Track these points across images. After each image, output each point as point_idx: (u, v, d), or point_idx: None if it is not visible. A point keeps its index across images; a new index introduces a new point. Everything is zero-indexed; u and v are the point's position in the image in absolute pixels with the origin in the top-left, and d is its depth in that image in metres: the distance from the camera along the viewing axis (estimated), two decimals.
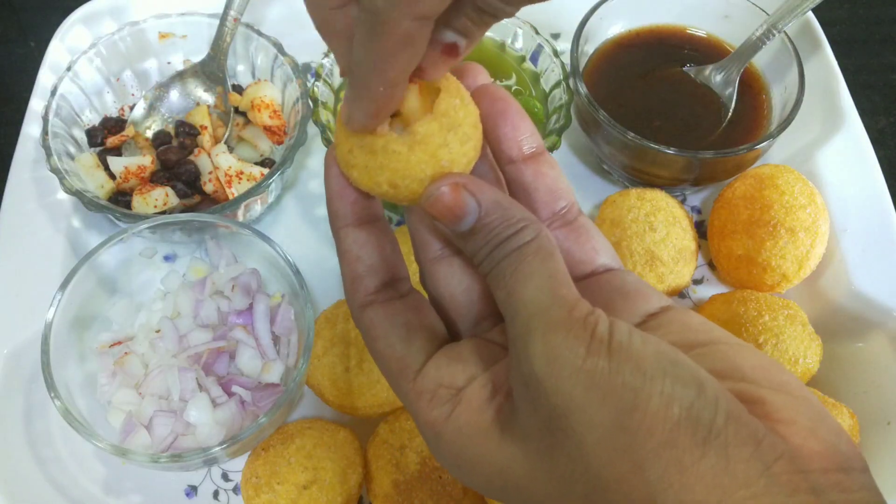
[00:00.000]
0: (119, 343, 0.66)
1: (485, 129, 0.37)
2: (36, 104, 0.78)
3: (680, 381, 0.28)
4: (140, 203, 0.70)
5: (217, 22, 0.79)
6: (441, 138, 0.33)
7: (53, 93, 0.74)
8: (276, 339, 0.67)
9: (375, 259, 0.37)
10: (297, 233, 0.77)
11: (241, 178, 0.73)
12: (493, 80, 0.39)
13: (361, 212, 0.37)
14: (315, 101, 0.74)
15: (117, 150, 0.77)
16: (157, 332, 0.66)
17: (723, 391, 0.29)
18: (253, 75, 0.83)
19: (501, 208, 0.33)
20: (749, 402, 0.29)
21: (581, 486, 0.30)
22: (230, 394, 0.63)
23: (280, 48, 0.79)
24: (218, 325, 0.67)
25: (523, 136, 0.37)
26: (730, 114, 0.77)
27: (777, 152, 0.79)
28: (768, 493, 0.27)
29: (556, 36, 0.87)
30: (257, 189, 0.71)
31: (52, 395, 0.58)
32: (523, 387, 0.31)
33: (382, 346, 0.36)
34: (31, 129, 0.77)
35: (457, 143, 0.34)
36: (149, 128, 0.79)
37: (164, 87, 0.81)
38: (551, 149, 0.71)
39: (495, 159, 0.38)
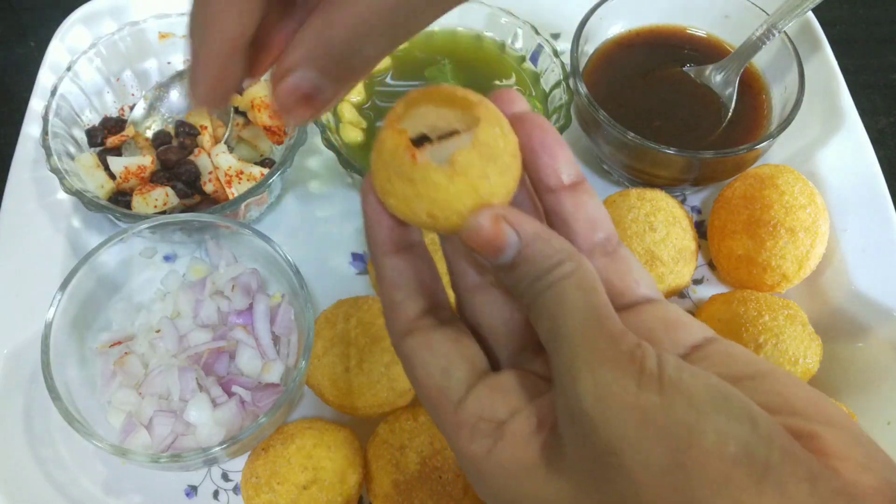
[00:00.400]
0: (119, 343, 0.66)
1: (523, 158, 0.36)
2: (36, 104, 0.78)
3: (734, 417, 0.28)
4: (140, 203, 0.70)
5: None
6: (481, 169, 0.33)
7: (53, 93, 0.74)
8: (276, 339, 0.67)
9: (414, 286, 0.37)
10: (297, 233, 0.77)
11: (241, 178, 0.73)
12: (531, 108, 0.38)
13: (399, 238, 0.37)
14: None
15: (117, 150, 0.77)
16: (157, 332, 0.66)
17: (776, 426, 0.28)
18: None
19: (542, 240, 0.33)
20: (801, 437, 0.29)
21: None
22: (230, 394, 0.63)
23: None
24: (218, 326, 0.67)
25: (562, 164, 0.37)
26: (730, 114, 0.77)
27: (777, 152, 0.79)
28: None
29: (556, 36, 0.87)
30: (257, 189, 0.71)
31: (52, 395, 0.58)
32: (571, 422, 0.30)
33: (422, 376, 0.36)
34: (31, 129, 0.77)
35: (496, 173, 0.33)
36: (149, 128, 0.79)
37: (164, 87, 0.81)
38: None
39: (534, 188, 0.38)
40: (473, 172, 0.33)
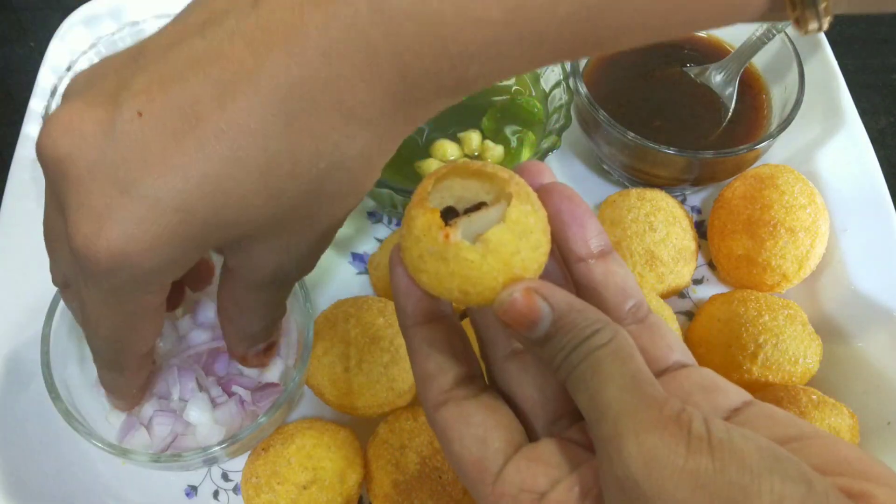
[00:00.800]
0: None
1: (553, 229, 0.37)
2: (36, 104, 0.78)
3: (789, 478, 0.27)
4: None
5: None
6: (514, 246, 0.33)
7: (53, 93, 0.74)
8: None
9: (446, 356, 0.37)
10: None
11: None
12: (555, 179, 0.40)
13: (429, 309, 0.37)
14: None
15: None
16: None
17: (831, 487, 0.28)
18: None
19: (576, 311, 0.33)
20: (853, 496, 0.29)
21: None
22: (230, 394, 0.63)
23: None
24: (217, 325, 0.67)
25: (591, 234, 0.37)
26: (730, 114, 0.77)
27: (777, 152, 0.79)
28: None
29: None
30: None
31: (52, 395, 0.58)
32: (618, 490, 0.30)
33: (458, 448, 0.35)
34: (31, 129, 0.77)
35: (529, 249, 0.34)
36: None
37: None
38: (551, 149, 0.71)
39: (564, 258, 0.38)
40: (506, 250, 0.33)
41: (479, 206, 0.36)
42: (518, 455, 0.35)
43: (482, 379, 0.38)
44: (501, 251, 0.33)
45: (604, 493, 0.31)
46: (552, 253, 0.38)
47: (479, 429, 0.35)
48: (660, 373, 0.37)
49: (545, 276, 0.37)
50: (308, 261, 0.45)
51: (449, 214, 0.36)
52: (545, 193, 0.37)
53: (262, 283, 0.45)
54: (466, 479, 0.35)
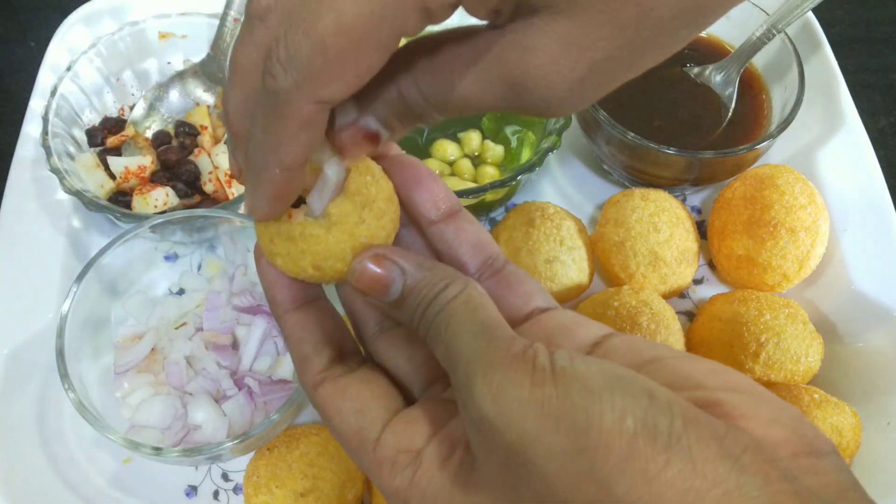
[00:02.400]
0: (139, 338, 0.66)
1: (402, 198, 0.38)
2: (36, 104, 0.78)
3: (629, 394, 0.28)
4: (140, 203, 0.70)
5: (217, 22, 0.79)
6: (356, 216, 0.34)
7: (53, 93, 0.74)
8: None
9: (319, 338, 0.37)
10: None
11: None
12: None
13: (298, 294, 0.38)
14: None
15: (117, 150, 0.77)
16: (177, 328, 0.66)
17: (675, 397, 0.28)
18: None
19: (425, 269, 0.34)
20: (705, 406, 0.29)
21: None
22: (241, 387, 0.63)
23: None
24: (232, 320, 0.67)
25: (438, 197, 0.38)
26: (730, 114, 0.77)
27: (777, 152, 0.79)
28: (741, 486, 0.26)
29: None
30: None
31: (66, 386, 0.58)
32: (476, 433, 0.31)
33: (338, 422, 0.36)
34: (31, 129, 0.77)
35: (373, 218, 0.35)
36: (149, 128, 0.79)
37: (163, 87, 0.81)
38: (551, 149, 0.71)
39: (417, 224, 0.39)
40: (349, 220, 0.34)
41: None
42: (394, 420, 0.36)
43: (359, 356, 0.39)
44: (345, 222, 0.34)
45: (468, 438, 0.32)
46: (409, 222, 0.39)
47: (356, 401, 0.36)
48: (522, 319, 0.38)
49: (404, 244, 0.39)
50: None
51: (299, 202, 0.36)
52: (389, 165, 0.38)
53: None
54: (350, 451, 0.36)
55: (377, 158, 0.38)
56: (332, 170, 0.36)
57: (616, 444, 0.27)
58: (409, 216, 0.39)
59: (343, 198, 0.34)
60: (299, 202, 0.36)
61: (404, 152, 0.39)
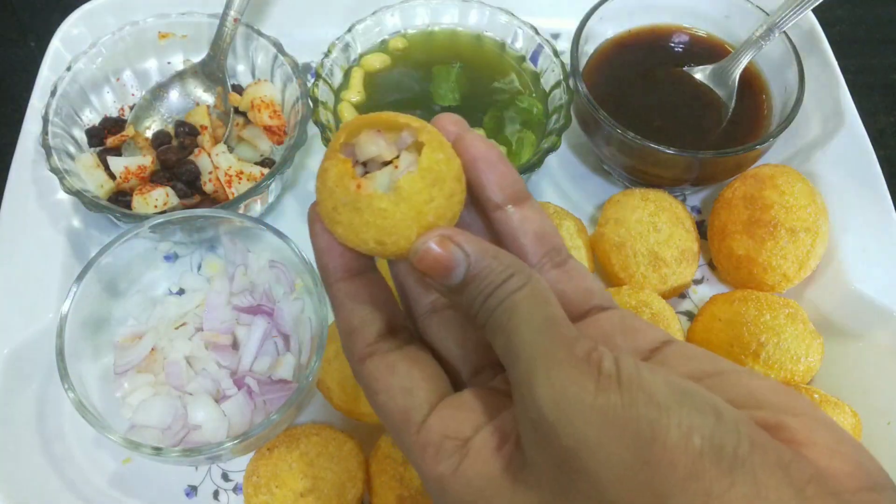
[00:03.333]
0: (139, 338, 0.66)
1: (469, 178, 0.37)
2: (36, 104, 0.78)
3: (697, 410, 0.27)
4: (140, 203, 0.70)
5: (217, 22, 0.79)
6: (426, 194, 0.33)
7: (53, 93, 0.74)
8: (287, 337, 0.67)
9: (370, 310, 0.37)
10: (297, 233, 0.76)
11: (241, 178, 0.73)
12: (472, 128, 0.39)
13: (351, 263, 0.37)
14: (315, 101, 0.74)
15: (117, 150, 0.76)
16: (177, 328, 0.66)
17: (742, 417, 0.28)
18: (253, 75, 0.83)
19: (490, 256, 0.33)
20: (768, 428, 0.29)
21: None
22: (240, 387, 0.63)
23: (280, 48, 0.79)
24: (232, 320, 0.67)
25: (508, 182, 0.37)
26: (730, 114, 0.77)
27: (777, 152, 0.79)
28: None
29: (556, 36, 0.87)
30: (257, 189, 0.71)
31: (66, 386, 0.58)
32: (532, 431, 0.30)
33: (384, 399, 0.35)
34: (31, 129, 0.77)
35: (442, 197, 0.34)
36: (149, 128, 0.79)
37: (164, 87, 0.81)
38: (551, 149, 0.71)
39: (482, 206, 0.38)
40: (418, 198, 0.33)
41: (391, 162, 0.35)
42: (442, 404, 0.35)
43: (408, 331, 0.38)
44: (414, 199, 0.33)
45: (521, 434, 0.32)
46: (471, 203, 0.38)
47: (405, 379, 0.35)
48: (580, 316, 0.37)
49: (463, 226, 0.37)
50: None
51: (364, 169, 0.35)
52: (460, 143, 0.37)
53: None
54: (393, 429, 0.36)
55: (447, 136, 0.37)
56: (405, 143, 0.35)
57: (681, 461, 0.27)
58: (474, 197, 0.38)
59: (415, 173, 0.33)
60: (364, 168, 0.35)
61: (474, 132, 0.38)
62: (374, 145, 0.35)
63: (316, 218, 0.36)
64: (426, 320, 0.39)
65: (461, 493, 0.33)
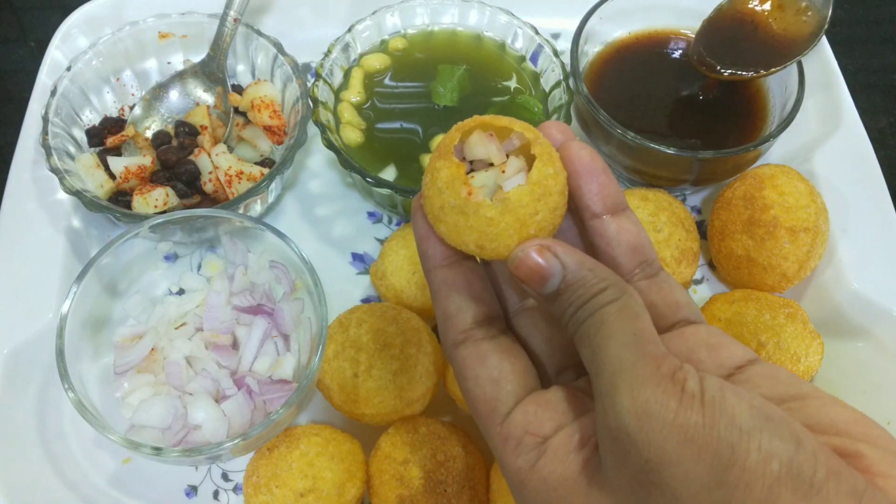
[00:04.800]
0: (139, 338, 0.66)
1: (571, 186, 0.38)
2: (36, 104, 0.78)
3: (778, 436, 0.28)
4: (140, 203, 0.70)
5: (217, 22, 0.79)
6: (532, 207, 0.35)
7: (53, 93, 0.74)
8: (287, 337, 0.67)
9: (465, 298, 0.38)
10: (297, 233, 0.77)
11: (240, 178, 0.73)
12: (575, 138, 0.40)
13: (449, 251, 0.38)
14: (315, 101, 0.74)
15: (117, 150, 0.77)
16: (177, 327, 0.66)
17: (821, 446, 0.28)
18: (253, 75, 0.83)
19: (586, 269, 0.34)
20: (846, 456, 0.29)
21: None
22: (240, 387, 0.63)
23: (280, 48, 0.79)
24: (232, 320, 0.67)
25: (608, 192, 0.38)
26: (730, 114, 0.77)
27: (777, 152, 0.79)
28: None
29: (556, 36, 0.87)
30: (257, 189, 0.71)
31: (66, 386, 0.58)
32: (611, 441, 0.31)
33: (472, 387, 0.37)
34: (31, 129, 0.77)
35: (546, 210, 0.35)
36: (148, 128, 0.79)
37: (163, 87, 0.81)
38: None
39: (580, 213, 0.39)
40: (524, 210, 0.35)
41: (494, 164, 0.37)
42: (528, 399, 0.36)
43: (501, 322, 0.39)
44: (520, 211, 0.34)
45: (599, 442, 0.32)
46: (569, 210, 0.39)
47: (494, 370, 0.36)
48: (667, 328, 0.38)
49: (559, 232, 0.39)
50: None
51: (470, 168, 0.37)
52: (565, 150, 0.38)
53: None
54: (477, 416, 0.37)
55: (554, 143, 0.38)
56: (513, 146, 0.36)
57: (758, 485, 0.27)
58: (573, 204, 0.39)
59: (524, 186, 0.35)
60: (470, 167, 0.37)
61: (579, 141, 0.39)
62: (483, 148, 0.37)
63: (418, 208, 0.38)
64: (516, 316, 0.40)
65: (537, 488, 0.34)
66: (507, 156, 0.37)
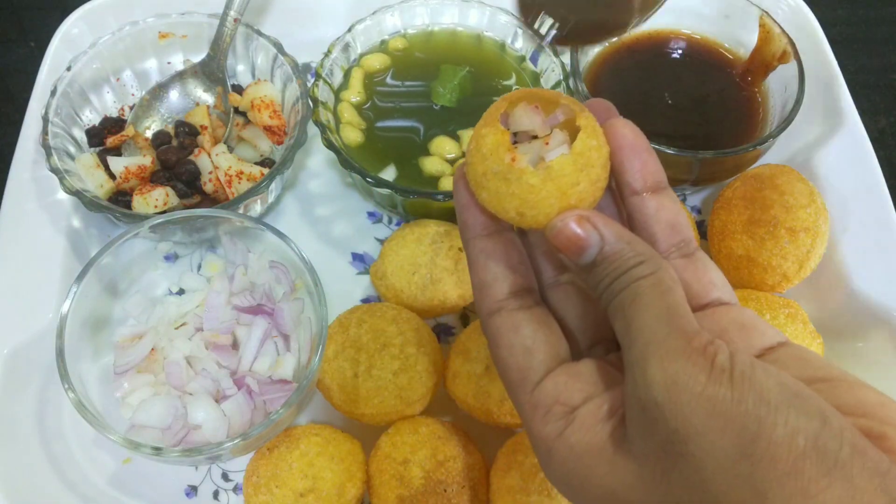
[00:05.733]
0: (139, 338, 0.66)
1: (613, 162, 0.38)
2: (36, 104, 0.78)
3: (804, 413, 0.28)
4: (140, 203, 0.70)
5: (217, 22, 0.79)
6: (574, 177, 0.35)
7: (53, 93, 0.74)
8: (287, 337, 0.67)
9: (502, 268, 0.38)
10: (297, 233, 0.77)
11: (241, 178, 0.73)
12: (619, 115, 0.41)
13: (489, 221, 0.39)
14: (315, 101, 0.74)
15: (117, 150, 0.77)
16: (178, 327, 0.66)
17: (847, 424, 0.29)
18: (253, 75, 0.83)
19: (623, 242, 0.35)
20: (872, 437, 0.30)
21: None
22: (240, 387, 0.63)
23: (280, 48, 0.79)
24: (232, 320, 0.67)
25: (649, 170, 0.39)
26: (730, 113, 0.77)
27: (777, 152, 0.79)
28: None
29: None
30: (257, 189, 0.71)
31: (66, 386, 0.58)
32: (640, 411, 0.31)
33: (506, 355, 0.37)
34: (31, 129, 0.77)
35: (587, 182, 0.36)
36: (149, 128, 0.79)
37: (164, 87, 0.81)
38: None
39: (620, 190, 0.40)
40: (566, 180, 0.35)
41: (538, 136, 0.37)
42: (559, 369, 0.36)
43: (536, 294, 0.40)
44: (562, 180, 0.35)
45: (626, 413, 0.33)
46: (609, 185, 0.39)
47: (528, 340, 0.37)
48: (700, 307, 0.38)
49: (598, 206, 0.39)
50: None
51: (515, 139, 0.37)
52: (609, 126, 0.38)
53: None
54: (509, 383, 0.38)
55: (599, 118, 0.38)
56: (557, 120, 0.37)
57: (783, 458, 0.28)
58: (614, 180, 0.39)
59: (567, 156, 0.35)
60: (515, 138, 0.37)
61: (626, 119, 0.40)
62: (528, 119, 0.37)
63: (461, 177, 0.38)
64: (551, 289, 0.41)
65: (564, 456, 0.34)
66: (552, 129, 0.37)
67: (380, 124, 0.77)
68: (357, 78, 0.79)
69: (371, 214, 0.79)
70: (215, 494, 0.65)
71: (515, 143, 0.37)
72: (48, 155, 0.70)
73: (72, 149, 0.74)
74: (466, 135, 0.76)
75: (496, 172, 0.35)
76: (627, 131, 0.38)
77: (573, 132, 0.36)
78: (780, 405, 0.28)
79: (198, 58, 0.81)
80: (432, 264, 0.67)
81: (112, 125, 0.78)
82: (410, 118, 0.78)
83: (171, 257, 0.75)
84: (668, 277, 0.34)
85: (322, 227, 0.78)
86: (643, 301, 0.33)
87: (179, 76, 0.81)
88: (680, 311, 0.32)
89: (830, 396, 0.31)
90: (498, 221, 0.39)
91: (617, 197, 0.40)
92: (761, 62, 0.78)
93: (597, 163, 0.36)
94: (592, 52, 0.80)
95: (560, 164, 0.35)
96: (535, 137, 0.37)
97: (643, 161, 0.38)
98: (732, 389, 0.29)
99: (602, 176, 0.36)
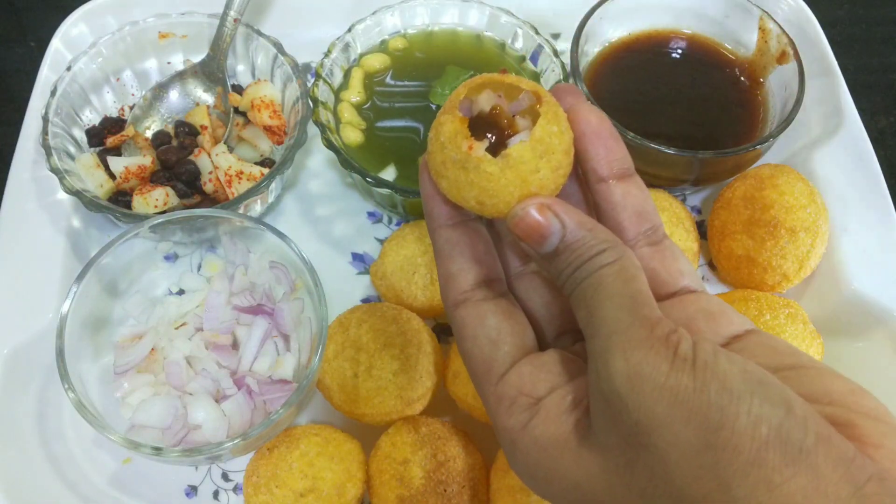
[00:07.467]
0: (139, 338, 0.66)
1: (578, 149, 0.37)
2: (36, 104, 0.78)
3: (768, 401, 0.28)
4: (140, 203, 0.70)
5: (217, 22, 0.79)
6: (533, 164, 0.34)
7: (53, 93, 0.74)
8: (287, 337, 0.67)
9: (467, 259, 0.38)
10: (297, 233, 0.77)
11: (241, 178, 0.73)
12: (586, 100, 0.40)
13: (454, 212, 0.38)
14: (315, 101, 0.74)
15: (117, 150, 0.77)
16: (177, 328, 0.66)
17: (812, 412, 0.29)
18: (253, 75, 0.83)
19: (585, 229, 0.34)
20: (838, 426, 0.29)
21: (662, 502, 0.30)
22: (240, 387, 0.63)
23: (280, 48, 0.79)
24: (232, 320, 0.67)
25: (615, 157, 0.38)
26: (730, 113, 0.77)
27: (777, 152, 0.79)
28: None
29: (556, 36, 0.87)
30: (257, 189, 0.71)
31: (66, 386, 0.58)
32: (603, 403, 0.31)
33: (471, 346, 0.37)
34: (31, 129, 0.77)
35: (548, 169, 0.35)
36: (148, 128, 0.79)
37: (163, 87, 0.81)
38: None
39: (586, 177, 0.39)
40: (525, 167, 0.34)
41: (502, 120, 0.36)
42: (524, 361, 0.36)
43: (503, 284, 0.39)
44: (521, 168, 0.34)
45: (591, 404, 0.32)
46: (573, 173, 0.39)
47: (492, 331, 0.36)
48: (668, 296, 0.38)
49: (564, 195, 0.38)
50: None
51: (478, 124, 0.36)
52: (574, 114, 0.37)
53: None
54: (474, 375, 0.37)
55: (563, 104, 0.37)
56: (521, 106, 0.36)
57: (745, 448, 0.27)
58: (579, 168, 0.39)
59: (526, 143, 0.34)
60: (481, 123, 0.36)
61: (591, 104, 0.39)
62: (491, 106, 0.36)
63: (425, 168, 0.38)
64: (517, 279, 0.40)
65: (528, 448, 0.34)
66: (514, 116, 0.36)
67: (380, 124, 0.77)
68: (357, 78, 0.79)
69: (371, 214, 0.79)
70: (215, 494, 0.65)
71: (488, 133, 0.36)
72: (48, 155, 0.70)
73: (72, 149, 0.74)
74: None
75: (455, 161, 0.35)
76: (592, 117, 0.37)
77: (537, 119, 0.35)
78: (743, 394, 0.28)
79: (198, 58, 0.81)
80: (432, 264, 0.67)
81: (112, 125, 0.78)
82: (410, 118, 0.78)
83: (171, 257, 0.75)
84: (631, 265, 0.33)
85: (322, 227, 0.78)
86: (605, 290, 0.32)
87: (179, 76, 0.81)
88: (642, 300, 0.32)
89: (798, 384, 0.31)
90: (463, 211, 0.38)
91: (584, 185, 0.40)
92: (761, 62, 0.78)
93: (558, 149, 0.35)
94: (592, 52, 0.80)
95: (519, 151, 0.34)
96: (509, 125, 0.36)
97: (608, 147, 0.37)
98: (695, 379, 0.29)
99: (564, 162, 0.35)
